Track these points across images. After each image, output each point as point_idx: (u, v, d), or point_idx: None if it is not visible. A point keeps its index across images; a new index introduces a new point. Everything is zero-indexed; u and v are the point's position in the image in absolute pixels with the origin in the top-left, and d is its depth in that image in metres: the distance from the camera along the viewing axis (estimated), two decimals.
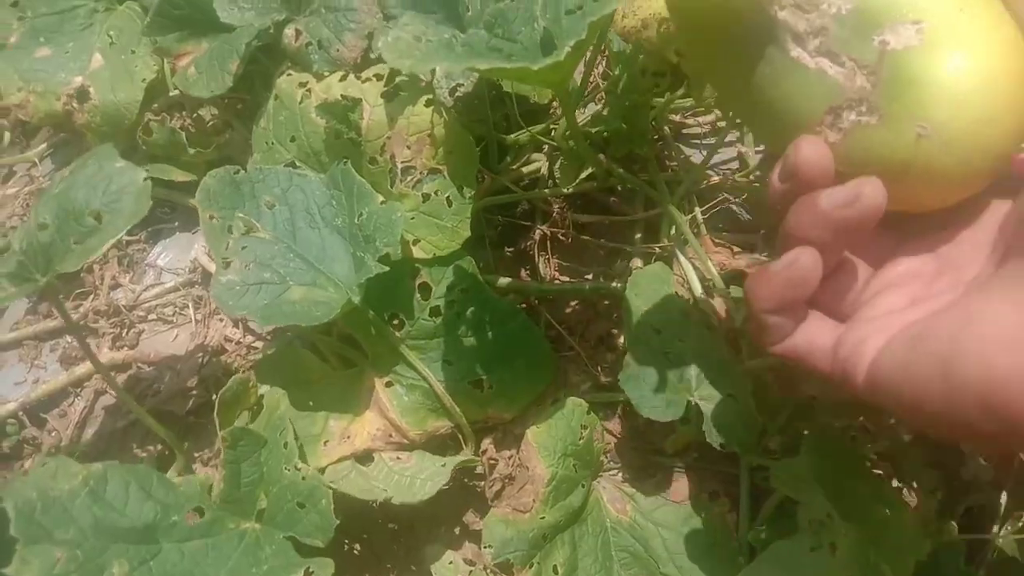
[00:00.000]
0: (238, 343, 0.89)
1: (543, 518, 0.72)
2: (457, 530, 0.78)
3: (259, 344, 0.89)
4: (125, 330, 0.92)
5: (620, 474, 0.81)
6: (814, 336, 0.46)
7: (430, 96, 0.75)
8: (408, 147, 0.76)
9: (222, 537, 0.59)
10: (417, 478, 0.70)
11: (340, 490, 0.65)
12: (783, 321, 0.46)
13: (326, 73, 0.80)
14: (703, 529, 0.77)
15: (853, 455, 0.71)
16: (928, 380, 0.37)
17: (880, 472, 0.74)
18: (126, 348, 0.91)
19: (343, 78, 0.79)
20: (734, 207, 0.90)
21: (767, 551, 0.72)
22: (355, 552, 0.77)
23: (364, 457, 0.75)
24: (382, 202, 0.75)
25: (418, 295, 0.77)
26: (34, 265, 0.63)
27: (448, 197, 0.76)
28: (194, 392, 0.86)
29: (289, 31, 0.85)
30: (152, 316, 0.93)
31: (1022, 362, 0.34)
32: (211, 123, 1.02)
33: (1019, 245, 0.38)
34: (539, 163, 0.91)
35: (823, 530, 0.70)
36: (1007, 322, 0.35)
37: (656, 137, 0.93)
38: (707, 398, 0.71)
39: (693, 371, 0.72)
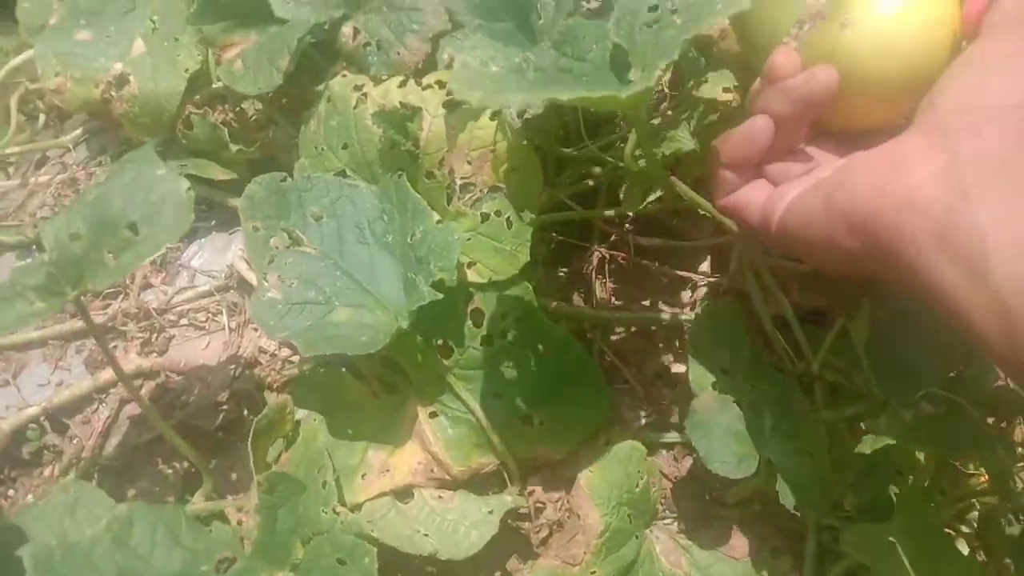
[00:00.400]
0: (272, 356, 0.84)
1: (593, 572, 0.66)
2: (498, 575, 0.73)
3: (295, 358, 0.84)
4: (155, 335, 0.88)
5: (675, 523, 0.75)
6: (752, 194, 0.56)
7: (495, 110, 0.69)
8: (468, 162, 0.70)
9: None
10: (461, 525, 0.65)
11: (379, 539, 0.60)
12: (733, 177, 0.56)
13: (384, 77, 0.74)
14: None
15: (939, 528, 0.65)
16: (814, 209, 0.49)
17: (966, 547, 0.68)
18: (155, 354, 0.86)
19: (403, 83, 0.73)
20: None
21: None
22: None
23: (403, 493, 0.70)
24: (438, 221, 0.69)
25: (470, 322, 0.71)
26: (64, 278, 0.59)
27: (508, 218, 0.70)
28: (224, 407, 0.81)
29: (346, 29, 0.79)
30: (184, 321, 0.89)
31: (875, 184, 0.44)
32: (254, 118, 0.97)
33: (921, 117, 0.46)
34: (597, 178, 0.85)
35: None
36: (872, 159, 0.46)
37: None
38: (781, 453, 0.65)
39: (767, 422, 0.67)
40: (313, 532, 0.57)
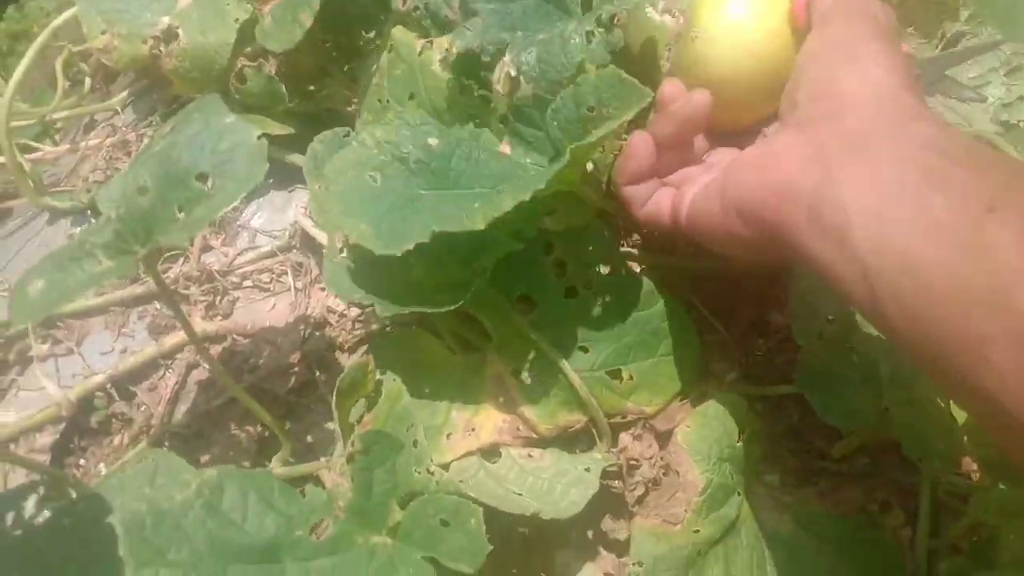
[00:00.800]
0: (342, 315, 0.81)
1: (697, 531, 0.63)
2: (591, 533, 0.69)
3: (365, 318, 0.80)
4: (219, 298, 0.85)
5: (777, 479, 0.71)
6: (661, 201, 0.60)
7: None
8: None
9: (351, 555, 0.51)
10: (558, 484, 0.62)
11: (477, 499, 0.56)
12: (636, 190, 0.61)
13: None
14: (872, 547, 0.67)
15: None
16: (712, 205, 0.53)
17: None
18: (220, 317, 0.84)
19: None
20: None
21: None
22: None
23: (490, 452, 0.67)
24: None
25: (552, 273, 0.67)
26: (132, 235, 0.55)
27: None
28: (295, 369, 0.78)
29: None
30: (247, 283, 0.86)
31: (757, 178, 0.49)
32: (307, 71, 0.93)
33: (784, 113, 0.52)
34: None
35: None
36: (752, 156, 0.52)
37: None
38: (901, 402, 0.60)
39: (884, 370, 0.62)
40: (408, 493, 0.54)
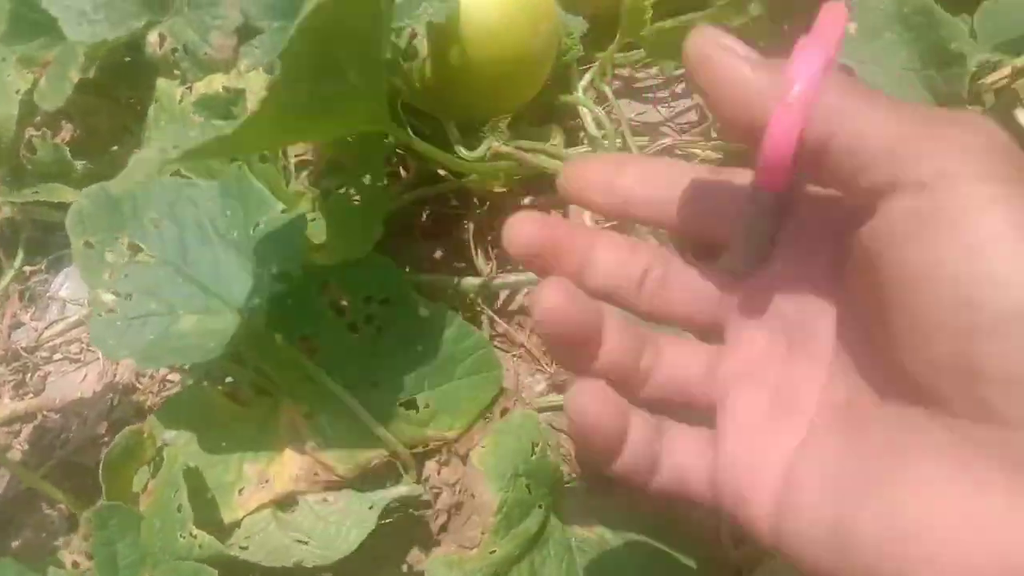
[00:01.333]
0: (151, 378, 0.79)
1: (493, 552, 0.63)
2: (405, 568, 0.69)
3: (174, 377, 0.79)
4: (29, 375, 0.83)
5: (585, 485, 0.71)
6: (681, 457, 0.36)
7: None
8: None
9: None
10: (343, 525, 0.61)
11: (245, 557, 0.56)
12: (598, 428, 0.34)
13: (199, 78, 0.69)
14: (683, 538, 0.68)
15: None
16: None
17: None
18: (31, 395, 0.82)
19: (227, 74, 0.68)
20: None
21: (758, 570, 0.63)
22: None
23: (288, 504, 0.66)
24: (283, 210, 0.65)
25: (331, 311, 0.67)
26: None
27: (352, 192, 0.66)
28: (105, 439, 0.77)
29: (152, 38, 0.74)
30: (58, 355, 0.84)
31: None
32: (108, 131, 0.91)
33: (894, 381, 0.29)
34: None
35: None
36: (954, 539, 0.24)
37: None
38: None
39: None
40: (162, 569, 0.53)
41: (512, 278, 0.78)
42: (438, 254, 0.80)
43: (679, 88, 0.82)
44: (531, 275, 0.77)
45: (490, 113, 0.70)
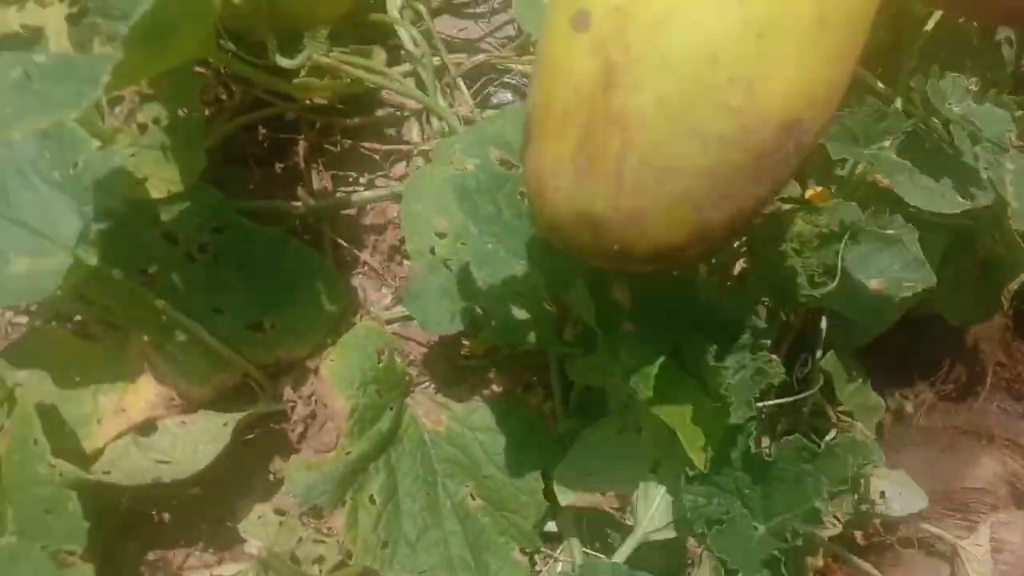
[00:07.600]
0: None
1: (348, 453, 0.68)
2: (271, 477, 0.74)
3: (22, 319, 0.79)
4: None
5: (432, 385, 0.78)
6: None
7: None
8: None
9: None
10: (200, 443, 0.65)
11: (108, 480, 0.59)
12: None
13: None
14: (519, 423, 0.75)
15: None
16: None
17: None
18: None
19: (21, 7, 0.66)
20: (513, 82, 0.84)
21: (578, 439, 0.71)
22: (164, 521, 0.72)
23: (147, 428, 0.69)
24: (98, 147, 0.65)
25: (165, 243, 0.69)
26: None
27: (170, 124, 0.66)
28: None
29: None
30: None
31: None
32: None
33: None
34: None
35: (628, 413, 0.70)
36: None
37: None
38: (492, 299, 0.67)
39: (481, 273, 0.68)
40: (23, 497, 0.56)
41: (351, 197, 0.81)
42: (274, 179, 0.82)
43: (496, 3, 0.85)
44: (368, 193, 0.81)
45: (306, 21, 0.69)
